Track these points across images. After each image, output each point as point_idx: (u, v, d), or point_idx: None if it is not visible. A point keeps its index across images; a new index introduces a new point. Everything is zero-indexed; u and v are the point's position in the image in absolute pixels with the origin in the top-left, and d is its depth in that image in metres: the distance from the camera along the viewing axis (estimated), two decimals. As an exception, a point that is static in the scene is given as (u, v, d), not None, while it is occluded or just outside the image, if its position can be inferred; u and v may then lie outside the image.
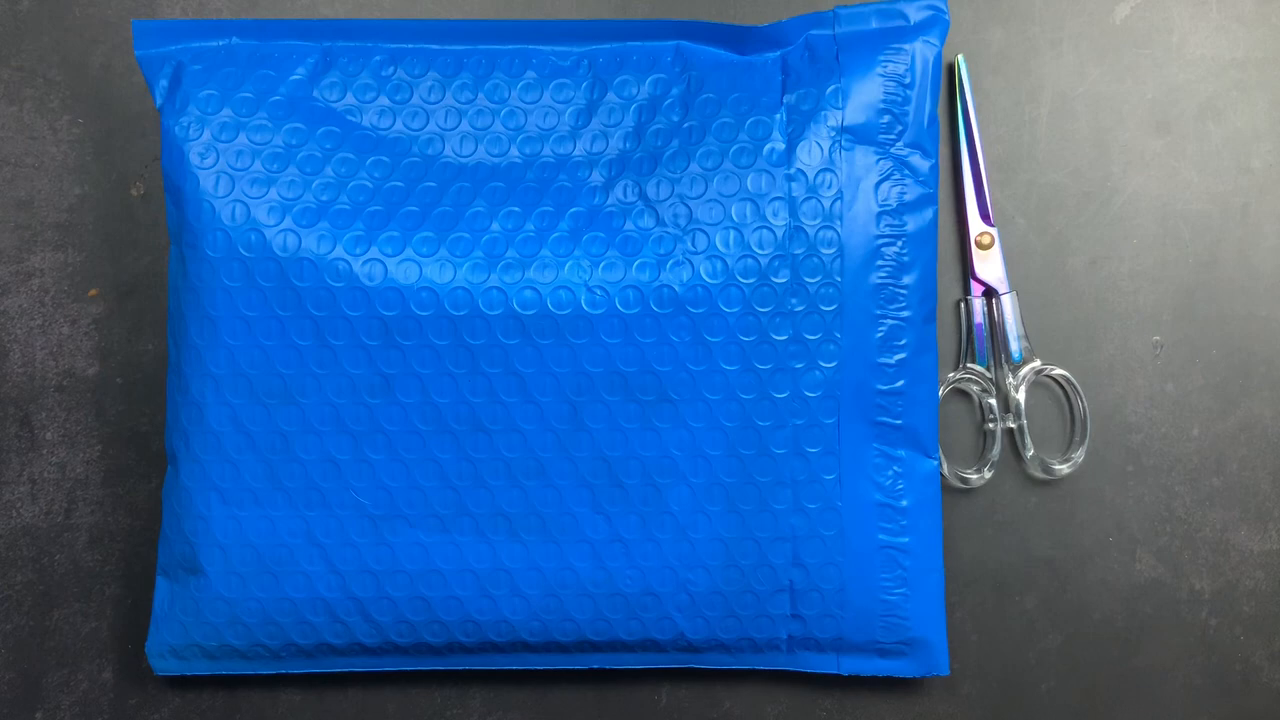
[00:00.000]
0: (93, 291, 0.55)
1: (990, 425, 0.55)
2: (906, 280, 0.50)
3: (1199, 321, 0.56)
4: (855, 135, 0.50)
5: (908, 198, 0.50)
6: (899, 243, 0.50)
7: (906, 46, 0.51)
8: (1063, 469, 0.55)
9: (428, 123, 0.51)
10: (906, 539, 0.51)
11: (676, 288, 0.49)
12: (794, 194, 0.50)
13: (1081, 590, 0.55)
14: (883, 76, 0.50)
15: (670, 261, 0.49)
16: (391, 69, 0.51)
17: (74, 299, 0.55)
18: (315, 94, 0.50)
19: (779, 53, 0.52)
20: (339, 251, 0.49)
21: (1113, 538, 0.55)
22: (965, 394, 0.56)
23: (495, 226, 0.50)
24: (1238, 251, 0.56)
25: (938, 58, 0.51)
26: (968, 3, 0.56)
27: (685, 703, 0.55)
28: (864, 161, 0.50)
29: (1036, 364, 0.55)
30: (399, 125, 0.51)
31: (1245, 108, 0.56)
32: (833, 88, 0.50)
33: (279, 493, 0.50)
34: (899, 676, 0.53)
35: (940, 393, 0.54)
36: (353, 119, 0.51)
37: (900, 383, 0.51)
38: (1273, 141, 0.56)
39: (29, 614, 0.54)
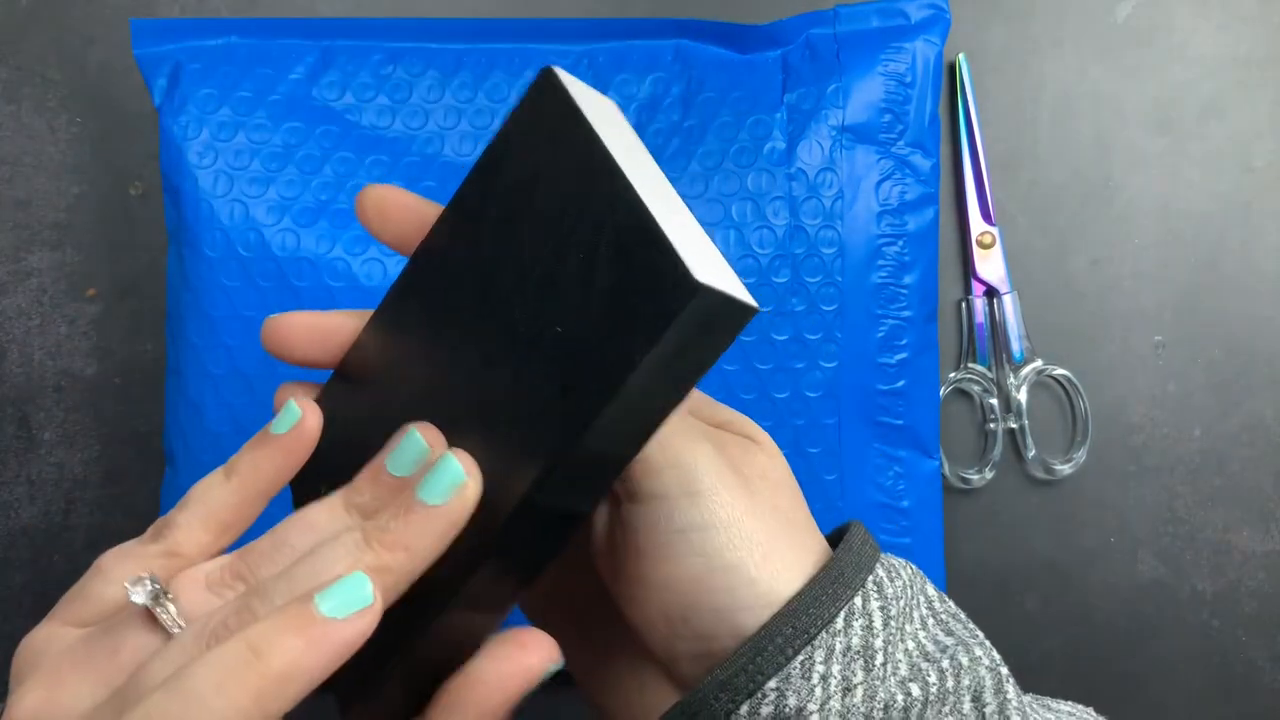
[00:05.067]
0: (91, 291, 0.55)
1: (991, 425, 0.54)
2: (907, 280, 0.50)
3: (1201, 321, 0.56)
4: (856, 134, 0.50)
5: (909, 197, 0.50)
6: (900, 242, 0.50)
7: (907, 45, 0.50)
8: (1064, 469, 0.54)
9: (427, 122, 0.51)
10: (907, 540, 0.51)
11: (677, 287, 0.49)
12: (794, 193, 0.49)
13: (1083, 591, 0.55)
14: (884, 75, 0.50)
15: (670, 261, 0.49)
16: (390, 68, 0.51)
17: (72, 299, 0.55)
18: (314, 93, 0.50)
19: (779, 52, 0.51)
20: (338, 251, 0.48)
21: (1114, 538, 0.55)
22: (966, 394, 0.55)
23: (495, 226, 0.49)
24: (1240, 251, 0.56)
25: (939, 57, 0.51)
26: (969, 2, 0.56)
27: (685, 704, 0.54)
28: (865, 161, 0.50)
29: (1038, 364, 0.55)
30: (398, 124, 0.51)
31: (1247, 107, 0.56)
32: (833, 87, 0.50)
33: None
34: (900, 677, 0.53)
35: (941, 393, 0.53)
36: (352, 118, 0.50)
37: (901, 383, 0.50)
38: (1275, 140, 0.56)
39: (28, 615, 0.54)
